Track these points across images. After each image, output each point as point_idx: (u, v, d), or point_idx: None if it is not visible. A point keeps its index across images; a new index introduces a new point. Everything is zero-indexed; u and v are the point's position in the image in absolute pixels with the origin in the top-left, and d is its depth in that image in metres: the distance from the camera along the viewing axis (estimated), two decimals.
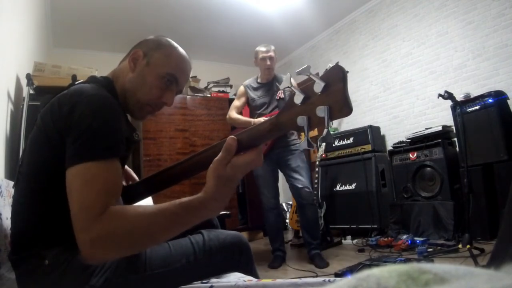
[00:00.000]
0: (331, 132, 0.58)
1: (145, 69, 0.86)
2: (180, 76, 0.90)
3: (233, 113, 2.68)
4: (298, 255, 2.93)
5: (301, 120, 0.57)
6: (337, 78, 0.53)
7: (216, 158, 0.62)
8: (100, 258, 0.64)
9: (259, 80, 2.74)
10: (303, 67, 0.56)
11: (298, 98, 0.57)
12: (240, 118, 2.66)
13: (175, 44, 0.92)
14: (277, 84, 2.66)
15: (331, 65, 2.26)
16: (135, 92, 0.86)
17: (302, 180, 2.54)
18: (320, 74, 0.57)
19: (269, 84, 2.68)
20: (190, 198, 0.63)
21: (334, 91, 0.53)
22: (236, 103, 2.74)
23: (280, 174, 2.74)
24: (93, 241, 0.59)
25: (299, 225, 3.29)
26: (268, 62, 2.61)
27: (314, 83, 0.55)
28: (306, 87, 0.57)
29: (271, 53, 2.63)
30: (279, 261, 2.57)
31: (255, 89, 2.72)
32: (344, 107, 0.53)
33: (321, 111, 0.54)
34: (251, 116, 2.72)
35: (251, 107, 2.74)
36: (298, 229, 3.30)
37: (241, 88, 2.78)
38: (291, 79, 0.60)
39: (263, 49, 2.64)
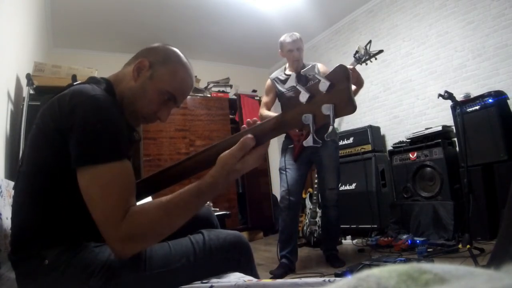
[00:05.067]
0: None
1: (147, 81, 0.86)
2: (179, 97, 0.90)
3: (263, 111, 2.47)
4: (298, 256, 2.91)
5: (306, 118, 0.59)
6: (342, 77, 0.55)
7: (230, 151, 0.68)
8: (131, 254, 0.70)
9: (287, 72, 2.48)
10: (308, 67, 0.59)
11: (304, 97, 0.60)
12: (270, 115, 2.33)
13: (183, 60, 0.90)
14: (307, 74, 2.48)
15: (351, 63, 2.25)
16: (134, 102, 0.86)
17: (326, 180, 2.42)
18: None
19: (298, 75, 2.44)
20: (198, 184, 0.70)
21: (339, 90, 0.55)
22: (265, 99, 2.53)
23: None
24: (123, 243, 0.66)
25: (299, 225, 3.29)
26: (296, 54, 2.37)
27: (319, 82, 0.57)
28: (311, 86, 0.59)
29: (299, 44, 2.37)
30: (283, 269, 2.28)
31: (283, 81, 2.46)
32: (348, 105, 0.55)
33: (327, 109, 0.56)
34: (282, 110, 2.56)
35: (280, 101, 2.48)
36: (298, 229, 3.30)
37: (268, 82, 2.54)
38: (318, 67, 0.62)
39: (289, 40, 2.37)
